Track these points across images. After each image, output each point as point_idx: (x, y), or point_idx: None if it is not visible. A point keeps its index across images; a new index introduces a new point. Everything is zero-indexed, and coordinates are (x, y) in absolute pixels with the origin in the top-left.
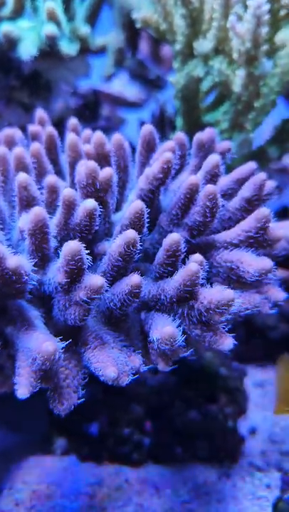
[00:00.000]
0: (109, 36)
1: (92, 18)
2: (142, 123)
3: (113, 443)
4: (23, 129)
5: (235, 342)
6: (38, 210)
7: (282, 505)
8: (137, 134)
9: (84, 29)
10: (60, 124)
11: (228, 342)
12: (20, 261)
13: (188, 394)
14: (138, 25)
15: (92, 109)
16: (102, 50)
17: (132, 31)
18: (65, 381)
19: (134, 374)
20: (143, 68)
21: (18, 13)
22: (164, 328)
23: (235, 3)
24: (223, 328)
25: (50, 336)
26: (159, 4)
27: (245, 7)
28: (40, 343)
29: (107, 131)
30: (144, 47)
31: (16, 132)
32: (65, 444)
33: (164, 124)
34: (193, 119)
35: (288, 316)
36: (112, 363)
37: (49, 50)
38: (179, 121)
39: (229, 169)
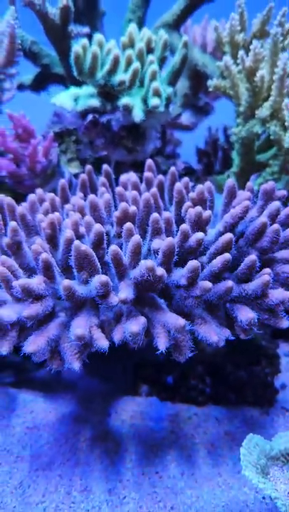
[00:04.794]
0: (178, 84)
1: (175, 80)
2: (198, 148)
3: (184, 389)
4: (124, 164)
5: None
6: (171, 239)
7: None
8: (193, 154)
9: (169, 90)
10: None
11: (285, 322)
12: (164, 271)
13: (238, 358)
14: (210, 89)
15: (161, 139)
16: None
17: (195, 80)
18: (182, 342)
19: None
20: (194, 97)
21: (131, 87)
22: (248, 314)
23: (286, 88)
24: (282, 314)
25: (177, 315)
26: (229, 77)
27: None
28: (174, 319)
29: (173, 157)
30: None
31: (134, 178)
32: (147, 390)
33: (216, 150)
34: (249, 158)
35: None
36: (214, 333)
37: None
38: (237, 158)
39: None
